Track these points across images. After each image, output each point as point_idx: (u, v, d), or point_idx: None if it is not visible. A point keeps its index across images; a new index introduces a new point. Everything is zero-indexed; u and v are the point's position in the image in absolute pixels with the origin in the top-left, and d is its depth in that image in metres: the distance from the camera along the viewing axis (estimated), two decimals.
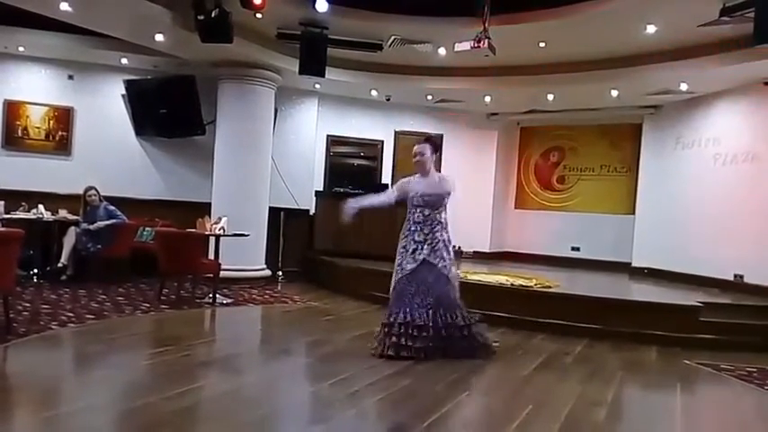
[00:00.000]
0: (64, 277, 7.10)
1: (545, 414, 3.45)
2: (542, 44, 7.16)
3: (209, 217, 7.10)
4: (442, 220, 4.65)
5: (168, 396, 3.32)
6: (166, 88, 8.30)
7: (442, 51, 7.57)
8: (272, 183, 8.48)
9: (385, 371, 4.09)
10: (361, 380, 3.90)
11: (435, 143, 4.85)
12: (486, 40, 6.04)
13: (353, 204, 4.71)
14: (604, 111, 9.32)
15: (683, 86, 7.71)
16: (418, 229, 4.61)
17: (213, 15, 6.20)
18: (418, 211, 4.63)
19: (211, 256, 7.02)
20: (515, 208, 10.80)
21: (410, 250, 4.60)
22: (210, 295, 6.56)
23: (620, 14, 6.19)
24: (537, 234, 10.38)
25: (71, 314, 5.38)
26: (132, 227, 7.73)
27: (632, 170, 9.55)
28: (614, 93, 8.17)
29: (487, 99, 9.17)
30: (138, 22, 6.61)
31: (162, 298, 6.42)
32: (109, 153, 8.51)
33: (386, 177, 9.86)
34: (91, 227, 7.20)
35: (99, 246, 7.19)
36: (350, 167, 10.03)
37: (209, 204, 7.94)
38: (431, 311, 4.47)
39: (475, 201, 9.87)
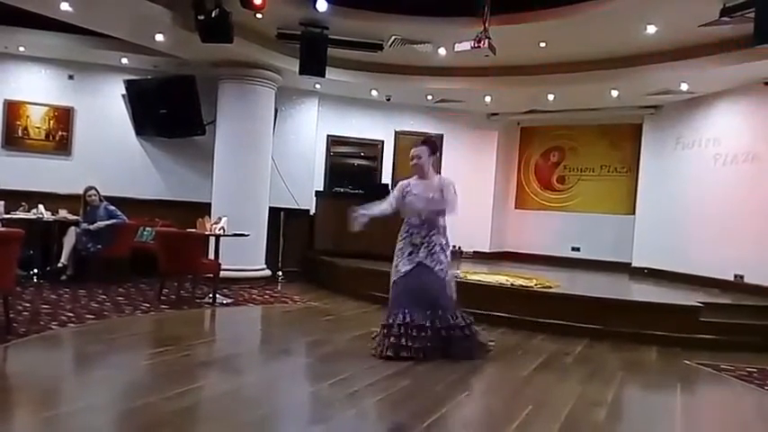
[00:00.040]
0: (64, 277, 7.10)
1: (545, 414, 3.45)
2: (542, 44, 7.16)
3: (210, 217, 7.10)
4: (440, 223, 4.63)
5: (168, 396, 3.32)
6: (166, 88, 8.30)
7: (442, 51, 7.57)
8: (273, 183, 8.48)
9: (385, 371, 4.09)
10: (361, 380, 3.90)
11: (433, 145, 4.80)
12: (487, 40, 6.04)
13: (365, 212, 4.60)
14: (604, 111, 9.32)
15: (684, 86, 7.71)
16: (415, 231, 4.60)
17: (213, 15, 6.20)
18: (415, 213, 4.61)
19: (211, 256, 7.02)
20: (515, 208, 10.80)
21: (406, 252, 4.60)
22: (210, 295, 6.56)
23: (621, 14, 6.18)
24: (537, 234, 10.37)
25: (71, 314, 5.38)
26: (132, 227, 7.73)
27: (632, 170, 9.55)
28: (614, 93, 8.17)
29: (488, 99, 9.17)
30: (138, 22, 6.61)
31: (162, 298, 6.42)
32: (109, 153, 8.51)
33: (386, 177, 9.87)
34: (91, 227, 7.20)
35: (99, 246, 7.19)
36: (350, 167, 10.03)
37: (210, 204, 7.94)
38: (429, 313, 4.47)
39: (475, 201, 9.85)
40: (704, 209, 7.88)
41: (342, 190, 9.08)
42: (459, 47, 6.27)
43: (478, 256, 10.05)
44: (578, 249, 9.90)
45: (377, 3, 6.92)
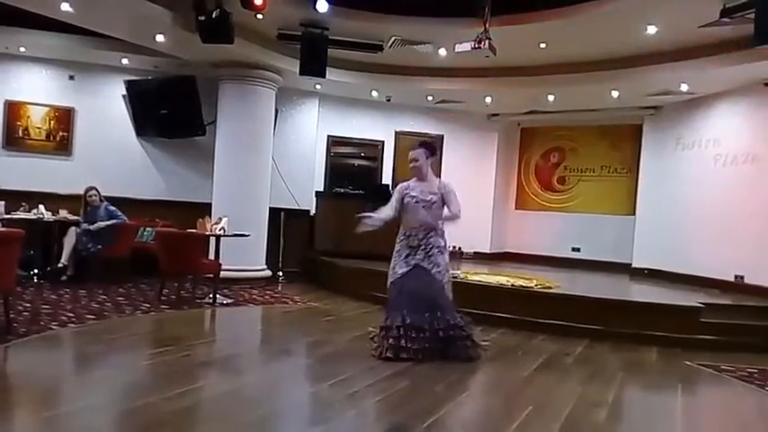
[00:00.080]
0: (64, 277, 7.10)
1: (545, 415, 3.45)
2: (543, 45, 7.16)
3: (210, 217, 7.10)
4: (438, 225, 4.63)
5: (168, 396, 3.32)
6: (167, 89, 8.31)
7: (442, 52, 7.57)
8: (273, 183, 8.49)
9: (384, 372, 4.09)
10: (361, 381, 3.90)
11: (431, 147, 4.79)
12: (487, 41, 6.04)
13: (378, 217, 4.55)
14: (605, 111, 9.33)
15: (684, 87, 7.71)
16: (413, 233, 4.60)
17: (214, 16, 6.21)
18: (413, 216, 4.60)
19: (212, 256, 7.02)
20: (516, 209, 10.80)
21: (403, 255, 4.61)
22: (211, 295, 6.56)
23: (621, 15, 6.19)
24: (537, 235, 10.37)
25: (71, 314, 5.38)
26: (133, 227, 7.73)
27: (632, 171, 9.55)
28: (615, 93, 8.18)
29: (488, 100, 9.17)
30: (138, 23, 6.61)
31: (162, 298, 6.42)
32: (109, 153, 8.52)
33: (386, 178, 9.88)
34: (91, 227, 7.20)
35: (99, 246, 7.19)
36: (350, 168, 10.03)
37: (210, 205, 7.94)
38: (428, 315, 4.46)
39: (475, 201, 9.84)
40: (704, 209, 7.88)
41: (342, 190, 9.09)
42: (459, 47, 6.27)
43: (479, 257, 10.06)
44: (579, 250, 9.90)
45: (377, 3, 6.92)
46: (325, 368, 4.27)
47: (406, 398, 3.62)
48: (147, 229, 8.03)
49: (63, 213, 7.52)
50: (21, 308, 5.43)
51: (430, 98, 9.34)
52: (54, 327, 4.90)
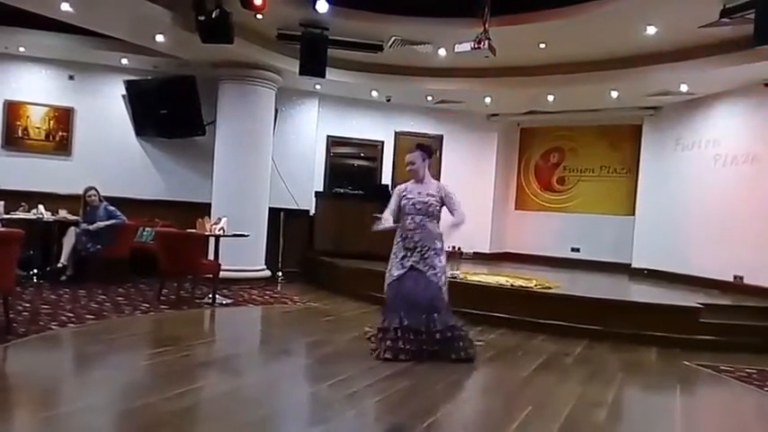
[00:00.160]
0: (64, 277, 7.09)
1: (545, 415, 3.45)
2: (542, 45, 7.16)
3: (209, 217, 7.10)
4: (435, 228, 4.62)
5: (168, 396, 3.32)
6: (167, 89, 8.31)
7: (442, 52, 7.57)
8: (273, 183, 8.49)
9: (384, 372, 4.09)
10: (361, 381, 3.90)
11: (427, 149, 4.79)
12: (487, 41, 6.04)
13: (390, 224, 4.55)
14: (604, 112, 9.33)
15: (683, 87, 7.71)
16: (409, 235, 4.59)
17: (214, 16, 6.20)
18: (410, 217, 4.61)
19: (211, 256, 7.02)
20: (515, 209, 10.80)
21: (399, 257, 4.61)
22: (210, 296, 6.56)
23: (621, 15, 6.18)
24: (537, 235, 10.38)
25: (71, 314, 5.38)
26: (132, 227, 7.73)
27: (632, 171, 9.55)
28: (614, 94, 8.18)
29: (487, 100, 9.17)
30: (138, 23, 6.61)
31: (161, 298, 6.42)
32: (109, 153, 8.51)
33: (386, 178, 9.88)
34: (91, 227, 7.20)
35: (99, 246, 7.19)
36: (350, 168, 10.03)
37: (209, 205, 7.94)
38: (424, 317, 4.46)
39: (475, 202, 9.83)
40: (704, 210, 7.88)
41: (342, 190, 9.09)
42: (459, 48, 6.28)
43: (478, 257, 10.05)
44: (578, 250, 9.90)
45: (377, 3, 6.92)
46: (324, 368, 4.27)
47: (406, 398, 3.61)
48: (147, 229, 8.03)
49: (62, 213, 7.52)
50: (20, 308, 5.43)
51: (429, 98, 9.34)
52: (53, 327, 4.90)
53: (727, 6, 5.66)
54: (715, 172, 7.82)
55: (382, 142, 9.96)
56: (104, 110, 8.58)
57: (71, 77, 8.46)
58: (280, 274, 8.73)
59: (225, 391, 3.63)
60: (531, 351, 5.12)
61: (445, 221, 4.71)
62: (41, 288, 6.65)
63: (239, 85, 7.99)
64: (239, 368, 4.36)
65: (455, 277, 6.65)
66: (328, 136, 9.68)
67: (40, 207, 7.33)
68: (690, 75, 7.16)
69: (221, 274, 6.73)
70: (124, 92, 8.53)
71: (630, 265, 9.13)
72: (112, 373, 3.98)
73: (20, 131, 8.29)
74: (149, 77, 8.50)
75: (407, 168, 4.73)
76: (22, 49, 8.03)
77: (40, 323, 4.96)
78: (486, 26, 6.11)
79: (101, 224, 7.22)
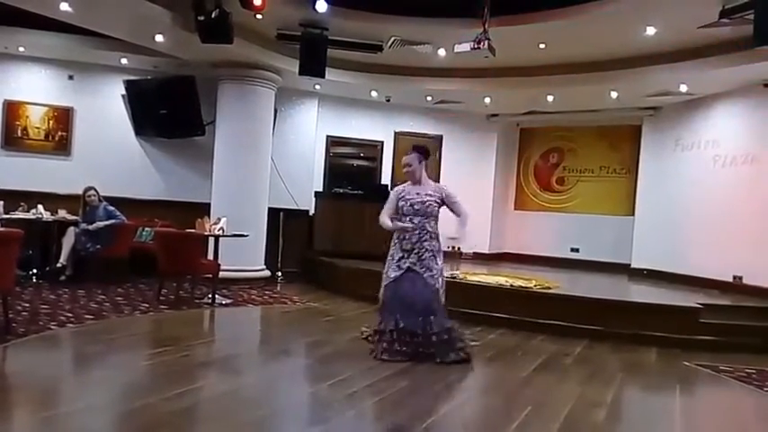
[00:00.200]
0: (63, 277, 7.09)
1: (544, 415, 3.45)
2: (542, 45, 7.17)
3: (209, 217, 7.10)
4: (432, 230, 4.62)
5: (167, 397, 3.31)
6: (166, 89, 8.31)
7: (441, 52, 7.57)
8: (272, 183, 8.48)
9: (384, 372, 4.09)
10: (360, 381, 3.90)
11: (423, 151, 4.78)
12: (486, 42, 6.04)
13: (401, 224, 4.55)
14: (604, 112, 9.33)
15: (683, 88, 7.72)
16: (406, 236, 4.57)
17: (213, 16, 6.20)
18: (407, 219, 4.59)
19: (211, 256, 7.01)
20: (515, 209, 10.80)
21: (396, 258, 4.60)
22: (210, 296, 6.56)
23: (620, 16, 6.19)
24: (536, 235, 10.38)
25: (70, 314, 5.37)
26: (131, 227, 7.72)
27: (632, 171, 9.55)
28: (614, 94, 8.18)
29: (487, 100, 9.17)
30: (138, 23, 6.61)
31: (161, 298, 6.41)
32: (108, 153, 8.51)
33: (385, 178, 9.88)
34: (90, 227, 7.19)
35: (98, 246, 7.18)
36: (349, 168, 10.03)
37: (209, 205, 7.94)
38: (421, 319, 4.45)
39: (474, 202, 9.78)
40: (703, 210, 7.88)
41: (341, 191, 9.08)
42: (458, 48, 6.28)
43: (478, 257, 10.06)
44: (578, 250, 9.90)
45: (376, 3, 6.92)
46: (324, 368, 4.27)
47: (406, 398, 3.62)
48: (146, 229, 8.02)
49: (62, 213, 7.51)
50: (19, 308, 5.42)
51: (429, 98, 9.34)
52: (53, 327, 4.89)
53: (726, 7, 5.66)
54: (714, 172, 7.82)
55: (382, 142, 9.96)
56: (104, 110, 8.58)
57: (71, 77, 8.46)
58: (279, 274, 8.72)
59: (224, 391, 3.63)
60: (531, 351, 5.12)
61: (448, 222, 4.71)
62: (41, 288, 6.65)
63: (239, 85, 7.99)
64: (239, 368, 4.36)
65: (454, 277, 6.65)
66: (328, 136, 9.68)
67: (40, 207, 7.33)
68: (689, 75, 7.16)
69: (221, 274, 6.72)
70: (124, 92, 8.53)
71: (630, 265, 9.13)
72: (112, 373, 3.97)
73: (19, 131, 8.29)
74: (149, 77, 8.50)
75: (404, 170, 4.73)
76: (21, 48, 8.03)
77: (40, 323, 4.95)
78: (486, 26, 6.11)
79: (100, 224, 7.22)
